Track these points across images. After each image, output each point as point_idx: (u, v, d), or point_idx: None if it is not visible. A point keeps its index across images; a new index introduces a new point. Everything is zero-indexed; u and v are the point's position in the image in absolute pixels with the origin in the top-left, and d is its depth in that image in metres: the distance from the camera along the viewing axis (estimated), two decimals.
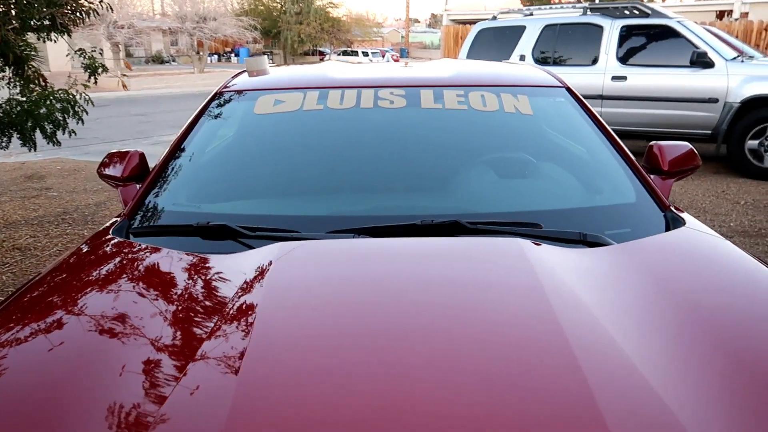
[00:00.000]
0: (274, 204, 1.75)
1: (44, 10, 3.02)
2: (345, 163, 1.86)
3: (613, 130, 7.21)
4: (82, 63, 3.50)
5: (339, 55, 37.63)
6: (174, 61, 36.08)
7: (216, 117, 2.07)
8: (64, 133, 3.49)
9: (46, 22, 3.21)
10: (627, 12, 6.85)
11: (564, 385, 0.91)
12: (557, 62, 7.21)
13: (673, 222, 1.64)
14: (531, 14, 7.67)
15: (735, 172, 6.33)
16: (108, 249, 1.53)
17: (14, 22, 2.93)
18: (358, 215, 1.62)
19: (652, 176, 2.00)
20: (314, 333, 1.06)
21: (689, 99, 6.37)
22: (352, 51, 38.25)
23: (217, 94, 2.17)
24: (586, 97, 7.67)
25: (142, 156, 2.11)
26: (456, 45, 11.73)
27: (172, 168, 1.87)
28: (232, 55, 39.28)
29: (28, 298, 1.27)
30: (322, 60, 38.14)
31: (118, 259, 1.47)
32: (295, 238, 1.47)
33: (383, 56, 40.36)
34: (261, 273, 1.28)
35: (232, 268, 1.34)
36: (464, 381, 0.92)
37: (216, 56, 38.46)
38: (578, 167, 1.92)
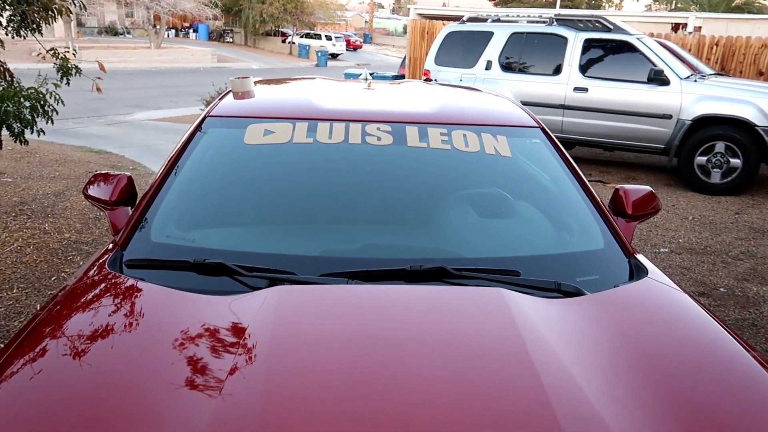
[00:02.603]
0: (267, 240, 1.80)
1: (15, 8, 2.93)
2: (335, 201, 1.93)
3: (573, 139, 7.46)
4: (54, 64, 3.41)
5: (301, 37, 37.12)
6: (129, 33, 34.80)
7: (206, 143, 2.09)
8: (32, 133, 3.41)
9: (17, 19, 3.11)
10: (591, 25, 7.07)
11: (536, 423, 1.04)
12: (522, 70, 7.39)
13: (636, 270, 1.78)
14: (498, 20, 7.81)
15: (685, 185, 6.67)
16: (106, 286, 1.56)
17: None
18: (350, 257, 1.70)
19: (617, 219, 2.15)
20: (318, 381, 1.15)
21: (645, 114, 6.66)
22: (315, 34, 37.80)
23: (206, 118, 2.19)
24: (549, 106, 7.90)
25: (130, 179, 2.12)
26: (422, 39, 11.78)
27: (164, 195, 1.89)
28: (191, 31, 38.17)
29: (28, 344, 1.30)
30: (284, 41, 37.64)
31: (116, 298, 1.50)
32: (290, 280, 1.55)
33: (346, 41, 40.03)
34: (265, 320, 1.34)
35: (237, 312, 1.41)
36: (447, 417, 1.05)
37: (173, 31, 37.30)
38: (553, 211, 2.04)
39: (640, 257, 1.87)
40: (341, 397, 1.11)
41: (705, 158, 6.48)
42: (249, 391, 1.12)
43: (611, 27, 6.95)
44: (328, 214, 1.90)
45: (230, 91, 2.44)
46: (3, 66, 3.36)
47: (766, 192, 6.66)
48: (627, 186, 2.23)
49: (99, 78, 3.44)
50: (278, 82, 2.82)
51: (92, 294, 1.53)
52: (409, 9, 15.13)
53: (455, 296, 1.52)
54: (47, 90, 3.36)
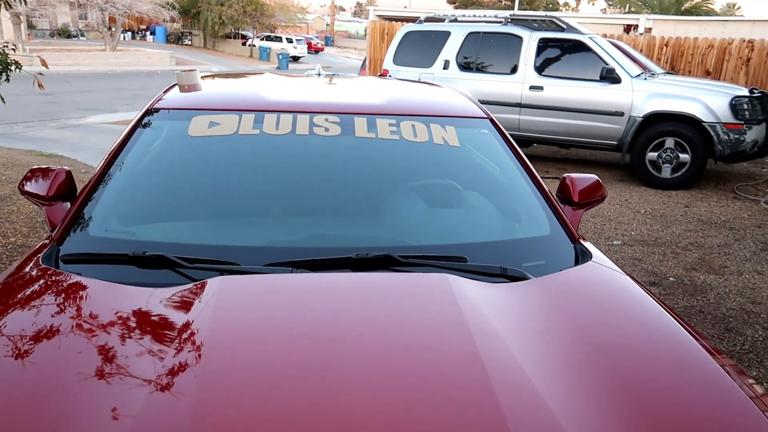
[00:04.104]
0: (211, 232, 1.76)
1: None
2: (281, 192, 1.91)
3: (530, 137, 7.56)
4: None
5: (262, 39, 36.76)
6: (83, 36, 33.87)
7: (149, 136, 2.04)
8: None
9: None
10: (545, 25, 7.20)
11: (478, 409, 1.05)
12: (479, 69, 7.48)
13: (581, 255, 1.82)
14: (455, 20, 7.89)
15: (638, 180, 6.85)
16: (40, 282, 1.50)
17: None
18: (295, 246, 1.68)
19: (564, 207, 2.19)
20: (258, 368, 1.13)
21: (598, 111, 6.82)
22: (275, 37, 37.47)
23: (150, 111, 2.14)
24: (506, 105, 7.98)
25: (68, 173, 2.05)
26: (382, 41, 11.82)
27: (104, 189, 1.84)
28: (148, 33, 37.41)
29: None
30: (244, 44, 37.22)
31: (51, 294, 1.45)
32: (233, 270, 1.52)
33: (308, 44, 39.83)
34: (204, 311, 1.31)
35: (175, 303, 1.37)
36: (389, 404, 1.06)
37: (130, 33, 36.47)
38: (500, 200, 2.06)
39: (586, 243, 1.90)
40: (277, 387, 1.09)
41: (656, 154, 6.66)
42: (184, 384, 1.09)
43: (564, 27, 7.10)
44: (274, 205, 1.87)
45: (175, 84, 2.39)
46: None
47: (713, 186, 6.89)
48: (574, 175, 2.27)
49: (41, 74, 3.33)
50: (226, 76, 2.77)
51: (24, 290, 1.47)
52: (368, 9, 15.17)
53: (400, 282, 1.52)
54: None
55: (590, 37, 7.05)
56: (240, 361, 1.16)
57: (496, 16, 7.63)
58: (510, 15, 7.55)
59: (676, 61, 10.66)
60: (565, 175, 2.28)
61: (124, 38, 33.31)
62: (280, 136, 2.00)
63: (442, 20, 8.01)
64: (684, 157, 6.54)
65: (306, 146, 2.01)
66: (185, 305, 1.36)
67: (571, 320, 1.41)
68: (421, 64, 7.67)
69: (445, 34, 7.65)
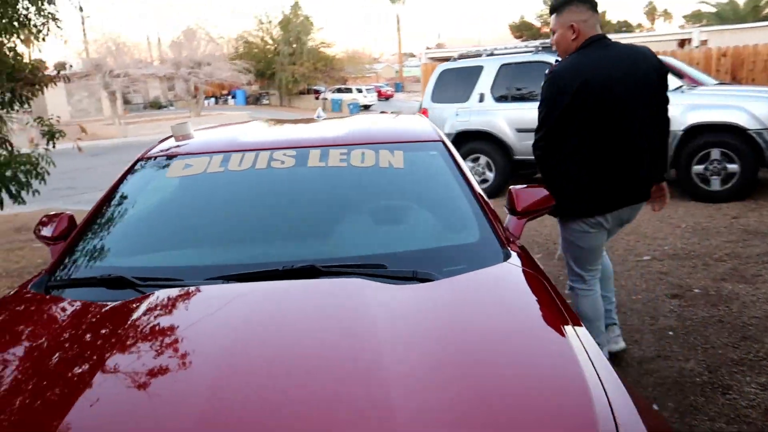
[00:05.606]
0: (166, 256, 2.06)
1: (5, 85, 3.40)
2: (227, 219, 2.18)
3: None
4: (41, 130, 3.88)
5: (333, 92, 38.47)
6: (172, 105, 36.99)
7: (133, 181, 2.40)
8: (28, 193, 3.84)
9: (8, 95, 3.59)
10: None
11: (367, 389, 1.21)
12: (514, 99, 7.58)
13: (505, 258, 1.93)
14: (491, 54, 8.07)
15: (687, 195, 6.62)
16: (23, 304, 1.84)
17: None
18: (231, 263, 1.93)
19: (510, 216, 2.31)
20: (183, 363, 1.36)
21: None
22: (346, 88, 39.09)
23: (139, 160, 2.50)
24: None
25: (71, 218, 2.43)
26: None
27: (90, 229, 2.19)
28: (229, 97, 40.23)
29: None
30: (317, 98, 39.06)
31: (28, 313, 1.77)
32: (178, 285, 1.78)
33: (378, 92, 41.19)
34: (140, 316, 1.58)
35: (117, 312, 1.65)
36: (302, 393, 1.23)
37: (213, 99, 39.41)
38: (433, 212, 2.22)
39: (516, 248, 2.02)
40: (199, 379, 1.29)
41: (702, 167, 6.43)
42: (113, 386, 1.32)
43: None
44: (220, 230, 2.14)
45: (171, 136, 2.75)
46: (4, 138, 3.83)
47: None
48: (518, 187, 2.39)
49: (79, 139, 3.87)
50: (221, 125, 3.13)
51: (7, 310, 1.81)
52: (421, 55, 15.66)
53: (315, 286, 1.72)
54: (38, 154, 3.81)
55: None
56: (169, 359, 1.39)
57: (526, 46, 7.75)
58: (540, 44, 7.65)
59: (737, 70, 10.24)
60: (511, 187, 2.40)
61: (208, 104, 36.01)
62: (241, 171, 2.28)
63: (479, 55, 8.22)
64: (732, 167, 6.27)
65: (262, 178, 2.28)
66: (129, 311, 1.63)
67: (450, 314, 1.56)
68: (457, 100, 7.88)
69: (479, 69, 7.85)
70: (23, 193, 3.84)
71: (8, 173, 3.63)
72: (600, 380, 1.25)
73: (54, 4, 3.64)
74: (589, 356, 1.36)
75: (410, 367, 1.29)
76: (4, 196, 3.80)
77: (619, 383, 1.29)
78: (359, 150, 2.35)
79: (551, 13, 2.67)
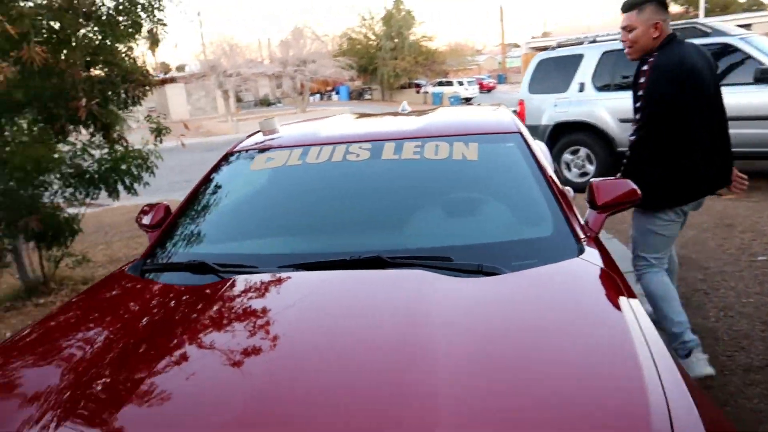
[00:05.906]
0: (244, 245, 2.18)
1: (120, 86, 3.75)
2: (301, 209, 2.27)
3: None
4: (150, 127, 4.23)
5: (434, 86, 38.37)
6: (280, 102, 38.72)
7: (221, 174, 2.55)
8: (140, 185, 4.22)
9: (123, 96, 3.96)
10: (686, 32, 6.72)
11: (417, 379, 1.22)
12: (618, 87, 7.18)
13: (579, 253, 1.86)
14: (593, 41, 7.70)
15: None
16: (119, 284, 2.03)
17: (97, 98, 3.67)
18: (302, 252, 2.00)
19: (590, 210, 2.21)
20: (254, 342, 1.46)
21: (755, 117, 6.13)
22: (447, 81, 38.84)
23: (228, 154, 2.66)
24: None
25: (167, 208, 2.63)
26: None
27: (180, 219, 2.37)
28: (333, 93, 41.39)
29: (46, 327, 1.76)
30: (418, 92, 39.22)
31: (122, 291, 1.96)
32: (254, 272, 1.89)
33: (480, 84, 40.57)
34: (218, 299, 1.69)
35: (196, 293, 1.77)
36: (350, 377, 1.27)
37: (318, 95, 40.73)
38: (503, 205, 2.17)
39: (593, 244, 1.93)
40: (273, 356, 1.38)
41: None
42: (194, 355, 1.43)
43: (709, 31, 6.55)
44: (297, 220, 2.23)
45: (258, 131, 2.90)
46: (120, 135, 4.23)
47: None
48: (598, 180, 2.28)
49: (182, 135, 4.17)
50: (307, 120, 3.25)
51: (106, 288, 2.01)
52: (524, 45, 15.24)
53: (378, 276, 1.75)
54: (149, 151, 4.16)
55: (741, 38, 6.42)
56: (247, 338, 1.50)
57: None
58: None
59: None
60: (592, 180, 2.30)
61: (313, 100, 37.29)
62: (319, 164, 2.36)
63: (580, 43, 7.87)
64: None
65: (338, 170, 2.35)
66: (208, 294, 1.75)
67: (510, 309, 1.53)
68: (555, 90, 7.60)
69: (579, 58, 7.51)
70: (135, 185, 4.22)
71: (123, 167, 4.00)
72: (663, 391, 1.17)
73: (162, 10, 3.96)
74: (654, 361, 1.27)
75: (463, 360, 1.28)
76: (120, 188, 4.20)
77: (689, 397, 1.19)
78: (433, 143, 2.35)
79: (626, 9, 2.72)
